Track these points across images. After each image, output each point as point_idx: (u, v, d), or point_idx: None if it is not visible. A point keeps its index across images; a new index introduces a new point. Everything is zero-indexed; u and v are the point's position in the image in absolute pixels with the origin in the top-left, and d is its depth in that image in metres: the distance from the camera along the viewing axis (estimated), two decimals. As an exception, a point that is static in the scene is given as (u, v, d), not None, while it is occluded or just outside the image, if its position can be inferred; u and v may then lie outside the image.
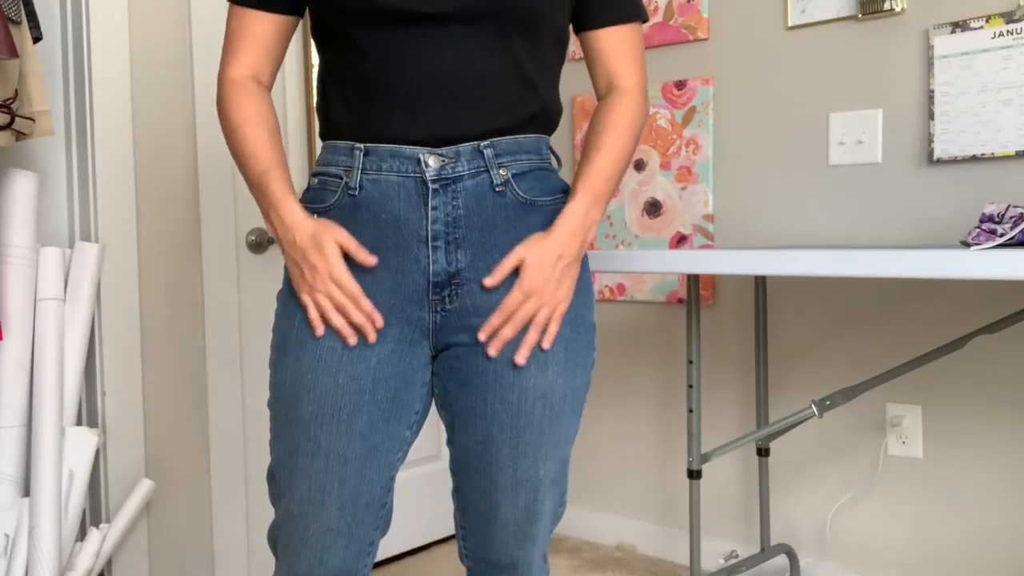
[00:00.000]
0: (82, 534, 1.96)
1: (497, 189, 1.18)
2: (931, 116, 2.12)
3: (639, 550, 2.70)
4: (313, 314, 1.15)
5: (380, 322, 1.15)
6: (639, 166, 2.63)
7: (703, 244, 2.52)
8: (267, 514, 2.30)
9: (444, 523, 2.76)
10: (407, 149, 1.16)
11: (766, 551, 2.31)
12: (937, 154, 2.12)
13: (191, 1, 2.11)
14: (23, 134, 1.67)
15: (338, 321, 1.14)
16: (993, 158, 2.05)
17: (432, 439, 2.73)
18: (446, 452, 2.72)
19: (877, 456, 2.25)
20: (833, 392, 2.09)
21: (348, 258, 1.16)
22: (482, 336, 1.16)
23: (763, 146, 2.41)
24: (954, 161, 2.10)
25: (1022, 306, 2.03)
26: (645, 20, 1.29)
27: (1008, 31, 2.01)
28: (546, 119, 1.23)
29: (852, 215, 2.27)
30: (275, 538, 1.24)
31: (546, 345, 1.17)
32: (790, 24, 2.34)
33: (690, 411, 2.06)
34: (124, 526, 1.90)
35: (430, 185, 1.15)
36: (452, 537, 2.77)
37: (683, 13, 2.53)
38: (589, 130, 1.26)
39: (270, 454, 1.23)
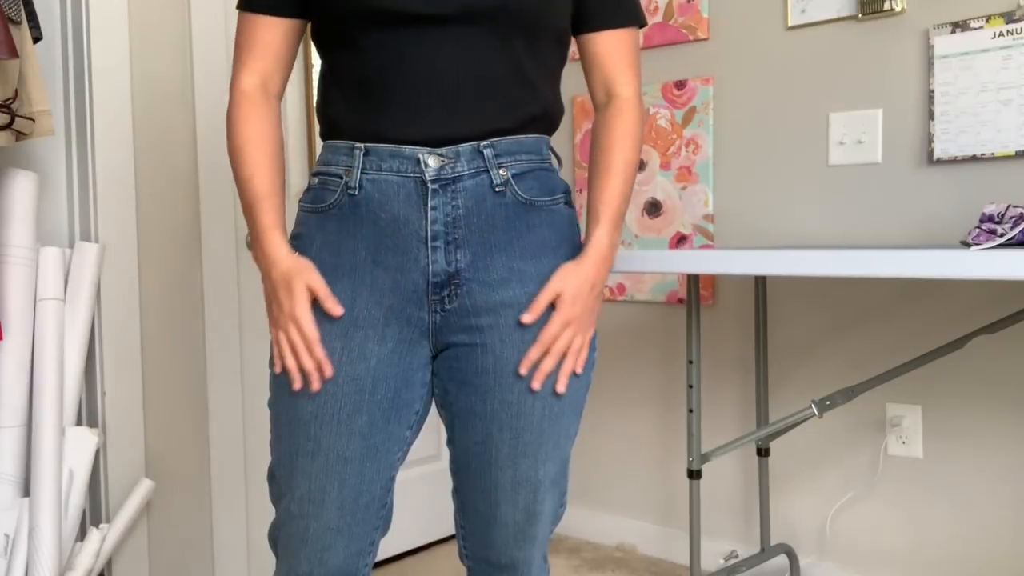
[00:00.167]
0: (82, 534, 1.96)
1: (497, 189, 1.18)
2: (931, 116, 2.12)
3: (639, 550, 2.70)
4: (276, 350, 1.19)
5: (329, 372, 1.15)
6: (639, 166, 2.63)
7: (703, 244, 2.52)
8: (267, 514, 2.30)
9: (444, 523, 2.76)
10: (407, 149, 1.16)
11: (766, 551, 2.31)
12: (937, 154, 2.12)
13: (191, 1, 2.11)
14: (23, 134, 1.67)
15: (291, 363, 1.16)
16: (993, 158, 2.05)
17: (432, 439, 2.73)
18: (446, 452, 2.72)
19: (877, 456, 2.25)
20: (833, 392, 2.09)
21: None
22: (523, 371, 1.17)
23: (763, 146, 2.41)
24: (954, 161, 2.10)
25: (1022, 306, 2.03)
26: (643, 25, 1.29)
27: (1008, 31, 2.01)
28: (547, 120, 1.24)
29: (852, 215, 2.27)
30: (276, 538, 1.24)
31: (579, 370, 1.20)
32: (790, 24, 2.34)
33: (690, 411, 2.06)
34: (124, 526, 1.90)
35: (429, 185, 1.15)
36: (452, 537, 2.77)
37: (683, 13, 2.53)
38: (595, 146, 1.27)
39: (271, 454, 1.23)
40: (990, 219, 1.71)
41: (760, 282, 2.29)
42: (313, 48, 1.27)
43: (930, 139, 2.13)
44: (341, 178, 1.19)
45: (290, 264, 1.16)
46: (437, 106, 1.15)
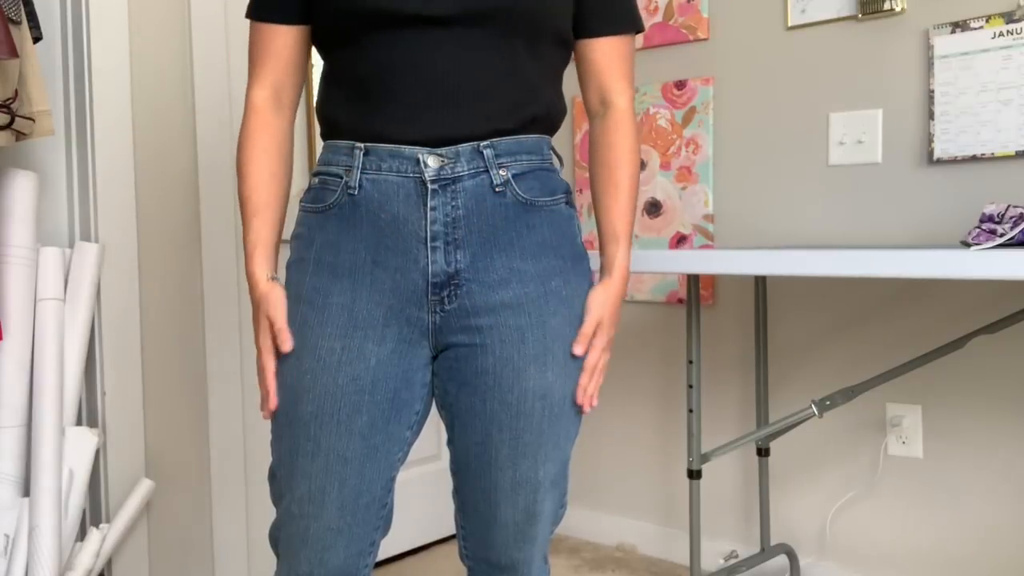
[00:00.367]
0: (82, 534, 1.96)
1: (497, 189, 1.18)
2: (931, 116, 2.12)
3: (639, 550, 2.70)
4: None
5: (274, 404, 1.19)
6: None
7: (703, 244, 2.52)
8: (267, 514, 2.30)
9: (444, 523, 2.76)
10: (406, 149, 1.16)
11: (766, 551, 2.31)
12: (937, 154, 2.12)
13: (191, 1, 2.11)
14: (23, 134, 1.67)
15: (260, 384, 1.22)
16: (993, 158, 2.05)
17: (432, 439, 2.73)
18: (446, 452, 2.72)
19: (877, 456, 2.25)
20: (833, 392, 2.09)
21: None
22: (582, 402, 1.22)
23: (763, 146, 2.41)
24: (954, 161, 2.10)
25: (1022, 306, 2.03)
26: (640, 31, 1.30)
27: (1008, 31, 2.01)
28: (548, 120, 1.24)
29: (852, 215, 2.27)
30: (276, 538, 1.24)
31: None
32: (790, 24, 2.34)
33: (690, 411, 2.06)
34: (124, 526, 1.90)
35: (429, 185, 1.15)
36: (452, 537, 2.77)
37: (683, 13, 2.53)
38: (598, 161, 1.28)
39: (271, 454, 1.23)
40: (990, 219, 1.71)
41: (760, 282, 2.29)
42: (314, 48, 1.27)
43: (930, 139, 2.13)
44: (341, 178, 1.19)
45: (261, 290, 1.20)
46: (437, 106, 1.15)
